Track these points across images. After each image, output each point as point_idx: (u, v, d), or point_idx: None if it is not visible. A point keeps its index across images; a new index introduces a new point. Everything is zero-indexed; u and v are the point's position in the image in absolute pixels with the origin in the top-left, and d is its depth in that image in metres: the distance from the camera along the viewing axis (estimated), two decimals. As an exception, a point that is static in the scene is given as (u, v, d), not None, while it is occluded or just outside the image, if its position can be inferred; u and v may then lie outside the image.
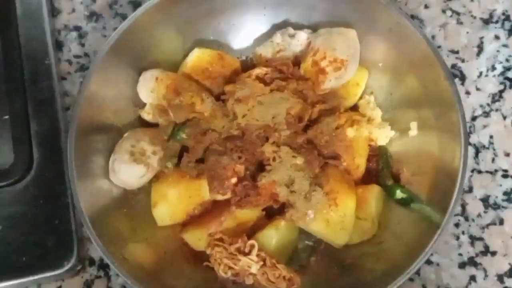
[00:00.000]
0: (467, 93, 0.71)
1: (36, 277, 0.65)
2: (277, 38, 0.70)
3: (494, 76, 0.71)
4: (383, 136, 0.68)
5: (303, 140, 0.64)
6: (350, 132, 0.66)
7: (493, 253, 0.66)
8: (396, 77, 0.67)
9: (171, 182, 0.64)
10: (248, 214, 0.64)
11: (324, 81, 0.65)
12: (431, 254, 0.60)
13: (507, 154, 0.69)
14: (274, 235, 0.63)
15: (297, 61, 0.69)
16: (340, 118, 0.66)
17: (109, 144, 0.64)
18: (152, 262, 0.62)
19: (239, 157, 0.63)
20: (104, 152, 0.64)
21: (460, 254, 0.66)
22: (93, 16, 0.76)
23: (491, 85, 0.71)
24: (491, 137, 0.70)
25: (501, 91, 0.71)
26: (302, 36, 0.69)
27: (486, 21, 0.73)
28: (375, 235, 0.65)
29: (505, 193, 0.68)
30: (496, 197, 0.68)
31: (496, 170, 0.69)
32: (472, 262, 0.66)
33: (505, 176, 0.69)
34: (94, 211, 0.59)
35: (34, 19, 0.74)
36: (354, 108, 0.70)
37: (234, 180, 0.63)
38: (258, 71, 0.67)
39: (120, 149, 0.64)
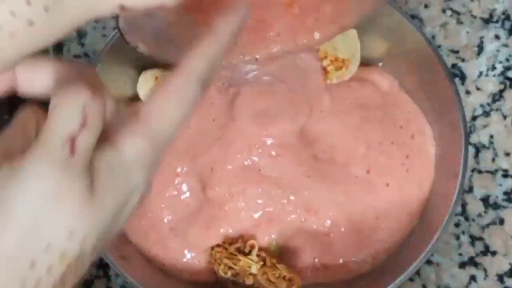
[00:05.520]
0: (467, 92, 0.71)
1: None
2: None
3: (494, 75, 0.71)
4: (383, 135, 0.68)
5: (303, 139, 0.65)
6: (350, 131, 0.66)
7: (493, 253, 0.66)
8: (396, 77, 0.67)
9: (171, 182, 0.64)
10: (248, 213, 0.64)
11: (325, 80, 0.65)
12: (431, 254, 0.60)
13: (507, 154, 0.69)
14: (274, 235, 0.63)
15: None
16: (340, 117, 0.67)
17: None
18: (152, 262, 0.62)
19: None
20: (104, 151, 0.63)
21: (460, 254, 0.66)
22: (93, 15, 0.76)
23: (491, 84, 0.71)
24: (491, 136, 0.70)
25: (501, 91, 0.71)
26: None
27: (486, 21, 0.73)
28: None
29: (505, 193, 0.68)
30: (496, 197, 0.68)
31: (496, 170, 0.69)
32: (472, 262, 0.66)
33: (505, 176, 0.68)
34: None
35: (34, 19, 0.74)
36: (354, 107, 0.70)
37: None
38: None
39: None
